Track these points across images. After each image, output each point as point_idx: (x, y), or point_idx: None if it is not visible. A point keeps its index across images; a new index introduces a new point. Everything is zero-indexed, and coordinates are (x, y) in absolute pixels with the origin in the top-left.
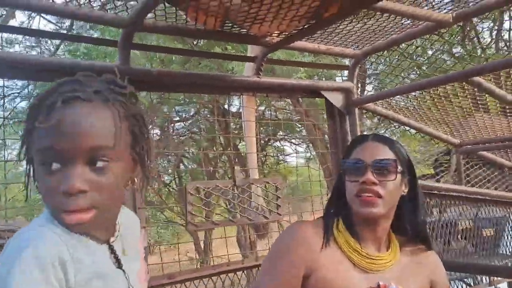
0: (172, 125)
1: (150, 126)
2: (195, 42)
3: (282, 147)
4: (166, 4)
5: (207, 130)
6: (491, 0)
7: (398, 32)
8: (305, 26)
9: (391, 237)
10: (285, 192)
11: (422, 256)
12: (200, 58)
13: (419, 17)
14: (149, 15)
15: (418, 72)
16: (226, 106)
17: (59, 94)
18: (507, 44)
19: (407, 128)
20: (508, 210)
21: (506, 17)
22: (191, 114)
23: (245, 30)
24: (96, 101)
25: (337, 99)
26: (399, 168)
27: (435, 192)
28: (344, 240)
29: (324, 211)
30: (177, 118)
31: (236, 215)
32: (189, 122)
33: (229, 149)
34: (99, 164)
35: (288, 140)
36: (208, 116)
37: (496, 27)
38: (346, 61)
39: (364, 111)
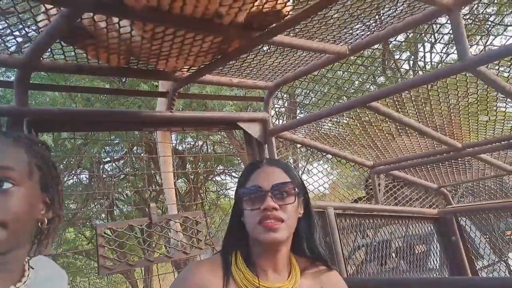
0: (102, 166)
1: (78, 169)
2: (123, 80)
3: (223, 181)
4: (63, 43)
5: (141, 169)
6: (379, 34)
7: (305, 64)
8: (212, 61)
9: (292, 261)
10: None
11: (324, 277)
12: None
13: (317, 50)
14: (47, 53)
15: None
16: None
17: None
18: (423, 71)
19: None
20: (428, 225)
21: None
22: (123, 153)
23: (152, 66)
24: (3, 136)
25: (254, 130)
26: (296, 190)
27: (354, 212)
28: (242, 277)
29: (222, 245)
30: (108, 159)
31: (154, 254)
32: (121, 162)
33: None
34: (5, 185)
35: (228, 174)
36: (141, 154)
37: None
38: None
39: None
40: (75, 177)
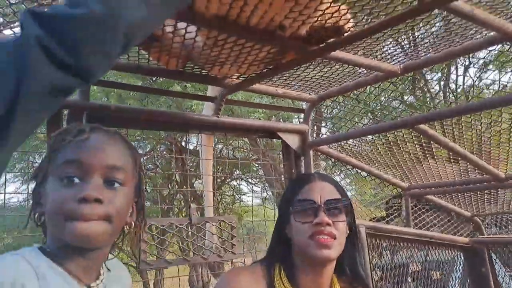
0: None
1: None
2: (154, 79)
3: (238, 186)
4: None
5: (162, 167)
6: (436, 55)
7: (351, 79)
8: (264, 70)
9: (333, 279)
10: (240, 232)
11: None
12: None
13: (369, 67)
14: None
15: (371, 117)
16: (183, 144)
17: (84, 125)
18: (454, 94)
19: (359, 170)
20: (456, 253)
21: (452, 69)
22: (147, 150)
23: (205, 71)
24: (115, 135)
25: (293, 141)
26: (347, 208)
27: (385, 234)
28: None
29: (266, 256)
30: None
31: (190, 254)
32: (144, 158)
33: (184, 187)
34: (114, 184)
35: (245, 179)
36: (164, 153)
37: (444, 78)
38: (304, 104)
39: (318, 153)
40: None
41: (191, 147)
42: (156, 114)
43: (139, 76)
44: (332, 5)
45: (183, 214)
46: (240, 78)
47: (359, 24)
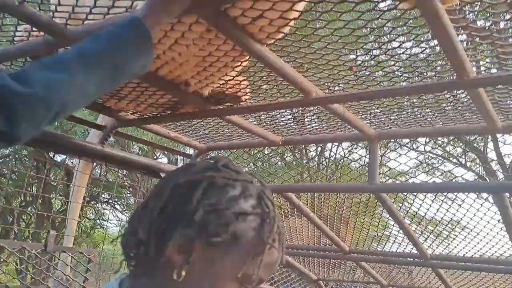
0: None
1: None
2: None
3: (103, 211)
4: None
5: (18, 175)
6: (311, 137)
7: (239, 138)
8: (161, 114)
9: None
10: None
11: None
12: None
13: (258, 134)
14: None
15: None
16: (51, 154)
17: None
18: (326, 162)
19: None
20: None
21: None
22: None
23: (101, 100)
24: None
25: None
26: None
27: None
28: None
29: None
30: None
31: (36, 282)
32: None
33: (39, 201)
34: None
35: (112, 204)
36: (25, 159)
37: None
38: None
39: None
40: None
41: (58, 158)
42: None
43: None
44: (235, 79)
45: (30, 231)
46: (136, 115)
47: (255, 99)
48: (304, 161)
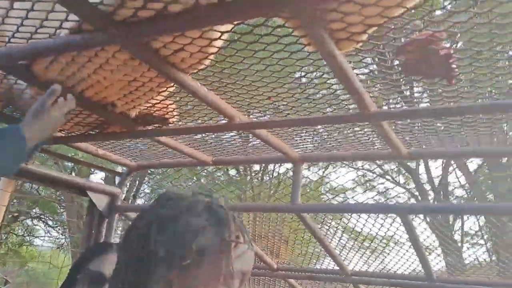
0: None
1: None
2: None
3: (33, 226)
4: None
5: None
6: (240, 158)
7: (170, 156)
8: (88, 132)
9: None
10: (19, 280)
11: None
12: None
13: (188, 154)
14: None
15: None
16: None
17: None
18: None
19: None
20: None
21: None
22: None
23: None
24: None
25: (101, 202)
26: None
27: None
28: None
29: None
30: None
31: None
32: None
33: None
34: None
35: (44, 220)
36: None
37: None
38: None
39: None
40: None
41: None
42: None
43: None
44: (162, 102)
45: None
46: (62, 132)
47: (183, 121)
48: (248, 178)
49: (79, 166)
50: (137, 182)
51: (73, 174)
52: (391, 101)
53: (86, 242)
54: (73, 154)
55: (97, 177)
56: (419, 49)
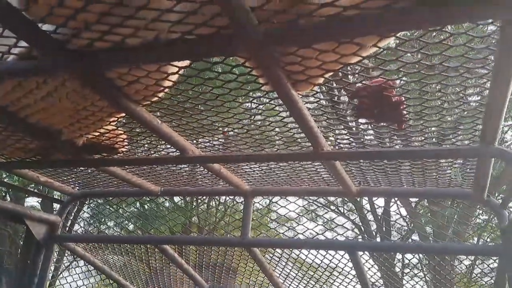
0: None
1: None
2: None
3: None
4: None
5: None
6: (191, 189)
7: (116, 185)
8: (30, 158)
9: None
10: None
11: None
12: None
13: (135, 184)
14: None
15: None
16: None
17: None
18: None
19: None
20: None
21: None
22: None
23: None
24: None
25: (39, 230)
26: None
27: None
28: None
29: None
30: None
31: None
32: None
33: None
34: None
35: None
36: None
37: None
38: None
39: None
40: None
41: None
42: None
43: None
44: (111, 131)
45: None
46: (1, 158)
47: (133, 151)
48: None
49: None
50: (76, 206)
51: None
52: (344, 141)
53: (21, 275)
54: (5, 176)
55: (33, 200)
56: (372, 95)
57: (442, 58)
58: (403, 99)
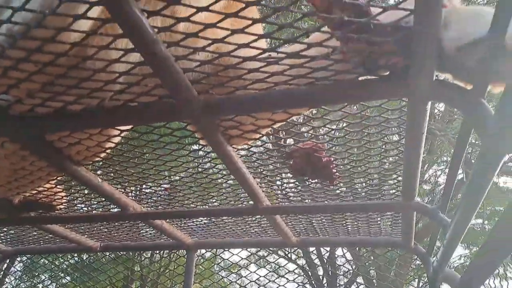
0: None
1: None
2: None
3: None
4: None
5: None
6: (131, 244)
7: (53, 241)
8: None
9: None
10: None
11: None
12: None
13: (73, 241)
14: None
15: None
16: None
17: None
18: None
19: None
20: None
21: None
22: None
23: None
24: None
25: None
26: None
27: None
28: None
29: None
30: None
31: None
32: None
33: None
34: None
35: None
36: None
37: None
38: None
39: None
40: None
41: None
42: None
43: None
44: (49, 189)
45: None
46: None
47: (72, 208)
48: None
49: None
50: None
51: None
52: (281, 197)
53: None
54: None
55: None
56: (305, 156)
57: (363, 125)
58: (332, 159)
